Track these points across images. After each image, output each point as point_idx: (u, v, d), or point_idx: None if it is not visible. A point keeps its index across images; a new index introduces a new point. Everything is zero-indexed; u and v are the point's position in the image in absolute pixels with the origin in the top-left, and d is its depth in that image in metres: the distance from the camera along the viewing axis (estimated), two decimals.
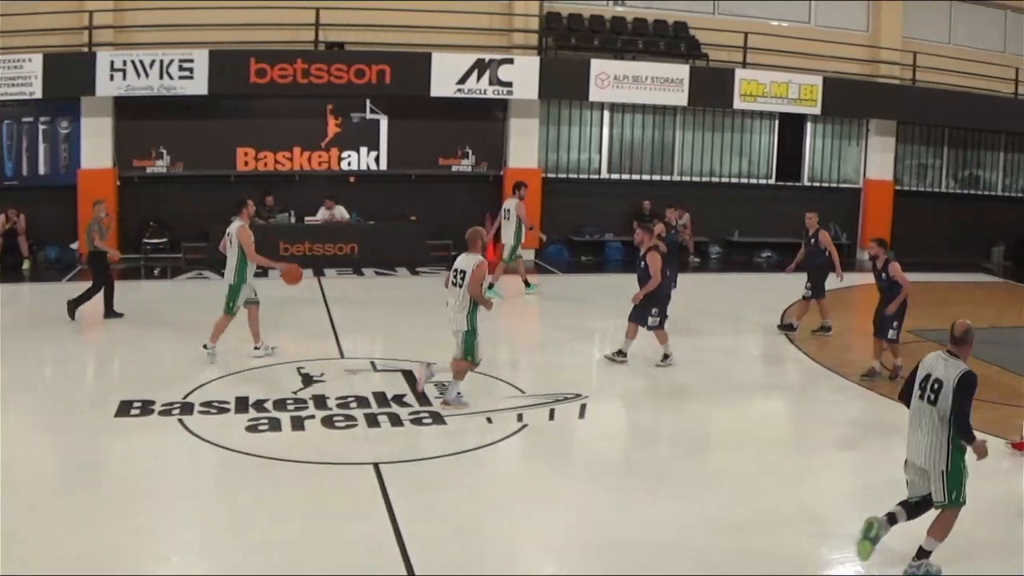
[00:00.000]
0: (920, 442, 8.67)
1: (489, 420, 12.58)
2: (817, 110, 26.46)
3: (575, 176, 25.91)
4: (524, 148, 24.80)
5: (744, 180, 27.30)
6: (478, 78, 22.97)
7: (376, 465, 10.76)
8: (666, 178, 26.58)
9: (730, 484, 11.17)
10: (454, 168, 24.48)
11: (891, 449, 12.32)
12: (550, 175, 25.41)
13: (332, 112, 23.35)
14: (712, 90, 25.40)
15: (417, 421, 12.37)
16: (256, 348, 14.96)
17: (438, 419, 12.44)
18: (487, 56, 23.17)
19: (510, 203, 20.29)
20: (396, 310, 18.74)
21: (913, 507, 8.88)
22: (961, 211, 29.27)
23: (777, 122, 27.58)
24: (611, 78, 24.10)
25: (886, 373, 15.24)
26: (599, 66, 24.17)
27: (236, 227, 14.62)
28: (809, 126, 28.03)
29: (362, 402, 12.94)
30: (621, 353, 15.28)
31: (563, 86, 24.34)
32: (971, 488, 8.74)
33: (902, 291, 14.87)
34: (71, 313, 16.79)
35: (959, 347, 8.66)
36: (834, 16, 27.95)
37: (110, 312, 17.02)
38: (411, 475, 10.74)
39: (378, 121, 23.67)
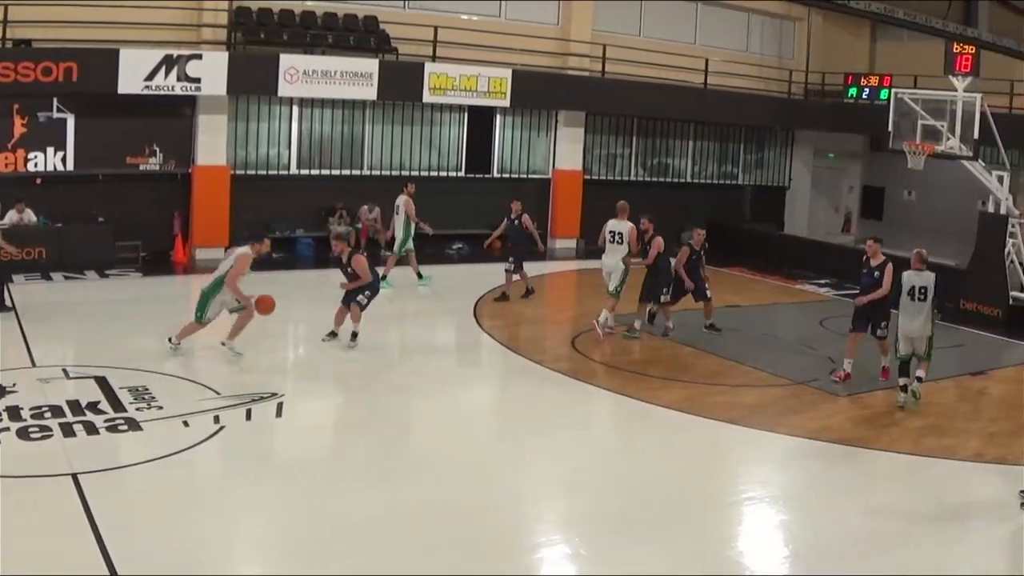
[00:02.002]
0: (916, 323, 16.27)
1: (186, 424, 13.51)
2: (506, 103, 29.64)
3: (264, 172, 27.85)
4: (212, 145, 26.42)
5: (434, 173, 30.08)
6: (166, 74, 24.29)
7: (74, 476, 11.39)
8: (356, 172, 29.11)
9: (434, 472, 12.67)
10: (142, 167, 25.71)
11: (590, 431, 15.39)
12: (239, 172, 27.29)
13: (19, 112, 24.05)
14: (401, 84, 28.07)
15: (113, 428, 13.13)
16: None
17: (134, 425, 13.26)
18: (175, 52, 24.50)
19: (400, 199, 23.72)
20: (86, 314, 19.88)
21: (904, 369, 16.51)
22: (651, 199, 32.16)
23: (466, 115, 30.62)
24: (300, 73, 26.15)
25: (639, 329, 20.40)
26: (288, 61, 26.10)
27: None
28: (499, 118, 31.31)
29: (56, 411, 13.58)
30: (333, 334, 18.51)
31: (252, 81, 26.17)
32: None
33: (673, 263, 20.46)
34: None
35: (925, 265, 16.40)
36: (524, 11, 31.24)
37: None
38: (111, 484, 11.49)
39: (65, 120, 24.57)
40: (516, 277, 23.39)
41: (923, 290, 16.29)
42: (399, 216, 24.06)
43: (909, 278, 16.47)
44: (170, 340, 16.99)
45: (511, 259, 23.29)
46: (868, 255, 17.91)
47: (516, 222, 23.64)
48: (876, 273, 17.54)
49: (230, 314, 17.11)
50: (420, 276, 24.31)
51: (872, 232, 20.90)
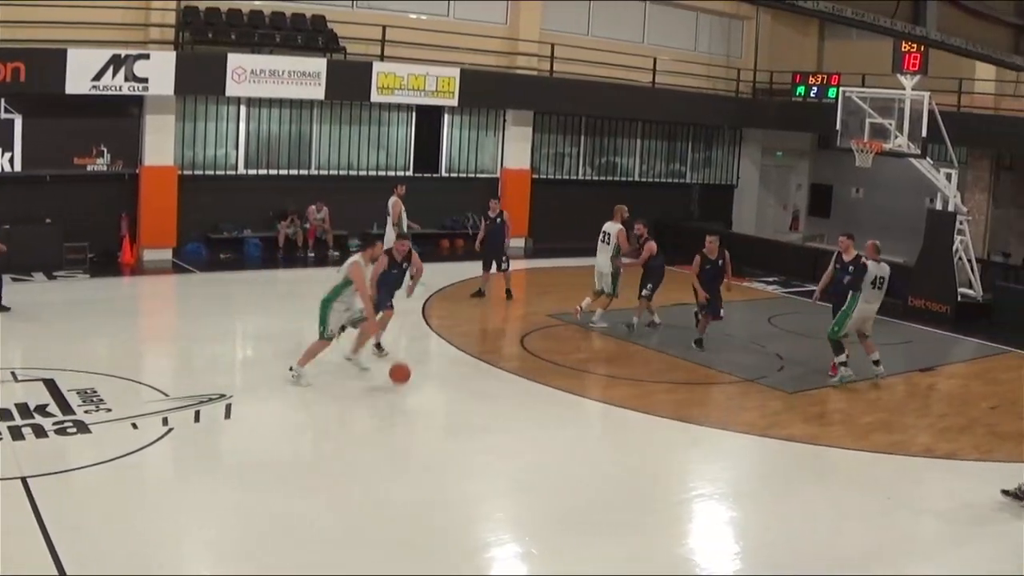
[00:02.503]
0: (872, 309, 17.95)
1: (135, 426, 13.37)
2: (454, 102, 29.61)
3: (212, 173, 27.58)
4: (160, 145, 26.10)
5: (383, 173, 29.95)
6: (114, 74, 24.03)
7: (24, 479, 11.28)
8: (304, 172, 28.97)
9: (383, 472, 12.71)
10: (89, 168, 25.41)
11: (540, 430, 14.95)
12: (187, 172, 26.86)
13: None
14: (349, 83, 27.99)
15: (62, 431, 13.00)
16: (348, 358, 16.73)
17: (83, 428, 13.13)
18: (123, 52, 24.24)
19: (390, 200, 24.45)
20: (34, 316, 19.53)
21: (840, 347, 17.82)
22: (598, 197, 32.12)
23: (414, 114, 30.60)
24: (248, 72, 25.92)
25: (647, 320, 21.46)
26: (236, 60, 25.84)
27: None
28: (447, 118, 31.32)
29: (4, 415, 13.38)
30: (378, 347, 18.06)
31: (200, 81, 25.90)
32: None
33: (651, 259, 21.12)
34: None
35: (879, 255, 17.87)
36: (472, 10, 31.19)
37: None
38: (61, 487, 11.37)
39: (13, 121, 24.24)
40: (510, 271, 23.83)
41: (881, 280, 17.92)
42: (391, 216, 24.60)
43: (874, 269, 17.92)
44: (291, 368, 16.15)
45: (504, 257, 23.64)
46: (841, 250, 18.49)
47: (498, 220, 23.80)
48: (851, 267, 18.03)
49: (354, 328, 16.72)
50: None
51: (820, 229, 21.19)
